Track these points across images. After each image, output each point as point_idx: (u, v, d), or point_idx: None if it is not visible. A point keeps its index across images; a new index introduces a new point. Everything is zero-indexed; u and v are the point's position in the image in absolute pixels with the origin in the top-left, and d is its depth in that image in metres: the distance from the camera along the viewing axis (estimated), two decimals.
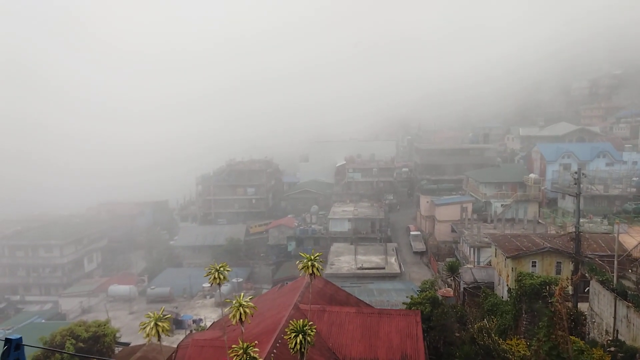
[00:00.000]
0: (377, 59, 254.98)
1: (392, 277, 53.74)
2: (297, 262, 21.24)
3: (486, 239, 51.84)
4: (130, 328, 48.05)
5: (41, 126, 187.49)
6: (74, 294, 66.42)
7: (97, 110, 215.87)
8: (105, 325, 32.37)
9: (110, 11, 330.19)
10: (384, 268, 55.72)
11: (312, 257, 20.44)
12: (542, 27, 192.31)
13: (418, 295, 30.09)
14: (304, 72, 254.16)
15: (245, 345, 17.37)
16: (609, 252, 34.10)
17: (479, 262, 53.19)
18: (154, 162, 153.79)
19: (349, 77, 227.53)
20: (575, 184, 32.54)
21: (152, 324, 18.02)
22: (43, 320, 53.86)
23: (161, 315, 18.42)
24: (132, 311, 58.14)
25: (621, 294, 23.97)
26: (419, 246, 70.23)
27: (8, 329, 45.62)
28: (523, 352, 25.13)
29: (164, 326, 18.13)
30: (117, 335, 34.04)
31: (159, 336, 18.23)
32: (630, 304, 22.83)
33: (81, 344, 29.84)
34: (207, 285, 60.51)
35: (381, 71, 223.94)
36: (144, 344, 30.05)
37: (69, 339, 29.64)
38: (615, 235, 29.70)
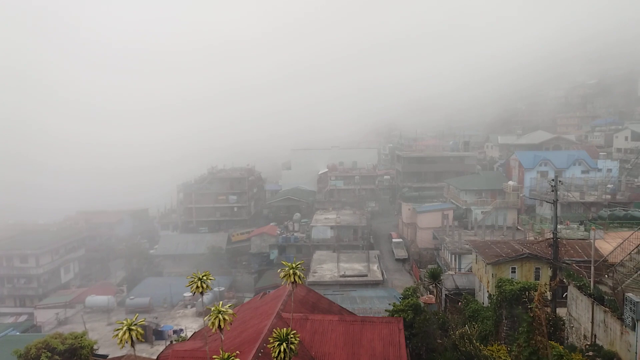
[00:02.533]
0: (360, 65, 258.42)
1: (375, 284, 53.84)
2: (279, 270, 21.12)
3: (467, 246, 52.42)
4: (108, 340, 46.91)
5: (23, 124, 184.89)
6: (50, 306, 64.63)
7: (81, 111, 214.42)
8: (82, 337, 31.50)
9: (97, 19, 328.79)
10: (366, 275, 55.81)
11: (294, 266, 20.36)
12: (520, 38, 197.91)
13: (400, 302, 30.10)
14: (286, 78, 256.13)
15: (226, 355, 17.16)
16: (586, 258, 34.82)
17: (460, 269, 53.70)
18: (136, 166, 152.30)
19: (332, 82, 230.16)
20: (553, 191, 33.19)
21: (125, 329, 17.61)
22: (18, 333, 52.17)
23: (135, 321, 18.01)
24: (111, 322, 56.82)
25: (598, 299, 24.46)
26: (401, 253, 70.58)
27: None
28: (504, 358, 25.39)
29: (137, 330, 17.71)
30: (95, 347, 33.15)
31: (133, 342, 17.80)
32: (607, 309, 23.30)
33: (57, 357, 28.98)
34: (188, 294, 59.64)
35: (363, 77, 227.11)
36: (122, 356, 29.43)
37: (44, 352, 28.78)
38: (592, 241, 30.37)
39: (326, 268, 58.85)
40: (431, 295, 42.86)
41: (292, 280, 20.10)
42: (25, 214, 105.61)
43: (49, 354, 28.73)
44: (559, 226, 34.10)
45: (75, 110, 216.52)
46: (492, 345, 27.49)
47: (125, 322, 17.89)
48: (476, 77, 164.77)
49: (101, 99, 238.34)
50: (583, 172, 74.02)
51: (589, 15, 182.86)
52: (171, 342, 39.40)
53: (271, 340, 18.07)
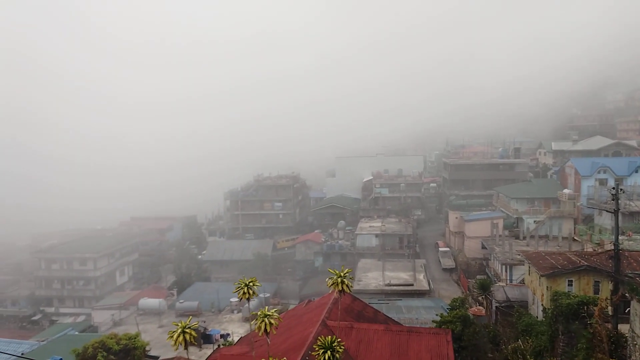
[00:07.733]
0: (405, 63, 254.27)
1: (421, 294, 52.69)
2: (327, 278, 21.09)
3: (518, 256, 50.38)
4: (159, 341, 48.54)
5: (52, 122, 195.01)
6: (106, 307, 67.70)
7: (114, 108, 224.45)
8: (135, 338, 32.75)
9: (113, 9, 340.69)
10: (412, 285, 54.73)
11: (342, 274, 20.26)
12: (576, 41, 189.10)
13: (448, 313, 29.29)
14: (324, 68, 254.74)
15: None
16: None
17: (511, 280, 51.65)
18: (169, 162, 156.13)
19: (375, 70, 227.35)
20: (613, 199, 31.31)
21: (180, 331, 18.17)
22: (76, 332, 54.86)
23: (188, 324, 18.57)
24: (162, 324, 58.74)
25: None
26: (448, 263, 68.80)
27: (42, 341, 46.68)
28: None
29: (191, 333, 18.26)
30: (147, 348, 34.39)
31: (186, 344, 18.32)
32: None
33: (112, 357, 30.24)
34: (235, 300, 60.72)
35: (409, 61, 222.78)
36: (173, 358, 30.30)
37: (100, 352, 30.10)
38: None
39: (371, 276, 58.22)
40: (481, 307, 41.49)
41: (340, 288, 20.02)
42: (72, 216, 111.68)
43: (105, 354, 30.01)
44: (620, 237, 32.11)
45: (99, 105, 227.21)
46: None
47: (179, 324, 18.49)
48: (527, 83, 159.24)
49: (120, 93, 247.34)
50: None
51: None
52: (219, 346, 40.23)
53: (316, 348, 18.03)
